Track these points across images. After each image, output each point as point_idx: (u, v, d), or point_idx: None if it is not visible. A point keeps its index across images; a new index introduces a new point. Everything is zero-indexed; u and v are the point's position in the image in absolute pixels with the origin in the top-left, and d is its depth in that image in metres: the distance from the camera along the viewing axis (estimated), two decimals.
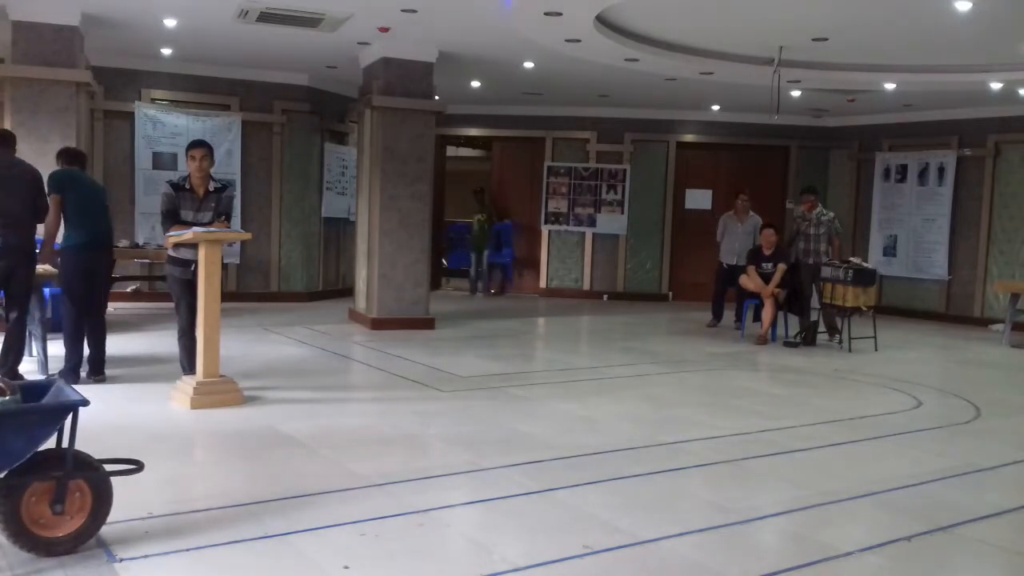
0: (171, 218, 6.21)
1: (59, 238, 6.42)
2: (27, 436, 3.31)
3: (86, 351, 6.44)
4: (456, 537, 3.82)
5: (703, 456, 5.15)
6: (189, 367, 6.24)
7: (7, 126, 8.30)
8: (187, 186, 6.29)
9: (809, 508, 4.28)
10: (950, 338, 11.04)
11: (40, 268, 6.50)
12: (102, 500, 3.44)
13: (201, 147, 6.29)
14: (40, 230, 6.45)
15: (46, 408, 3.49)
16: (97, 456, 3.54)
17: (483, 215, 14.44)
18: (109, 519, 3.58)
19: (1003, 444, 5.77)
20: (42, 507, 3.33)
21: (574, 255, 14.34)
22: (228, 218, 6.39)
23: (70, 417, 3.39)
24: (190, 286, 6.10)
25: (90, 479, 3.42)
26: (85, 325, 6.41)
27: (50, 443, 3.41)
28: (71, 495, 3.37)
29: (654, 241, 14.24)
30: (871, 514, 4.26)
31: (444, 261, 16.19)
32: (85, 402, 3.39)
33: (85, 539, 3.39)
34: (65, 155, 6.66)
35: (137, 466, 3.63)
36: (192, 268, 6.08)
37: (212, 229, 6.01)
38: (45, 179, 6.33)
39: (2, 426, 3.25)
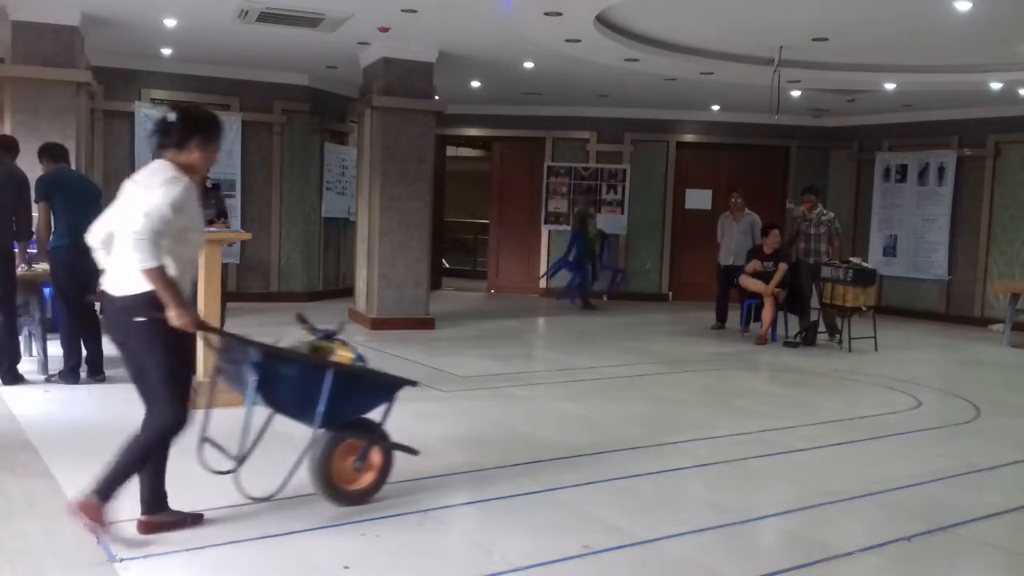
0: None
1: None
2: (370, 397, 4.04)
3: (84, 351, 6.44)
4: (456, 537, 3.82)
5: (703, 456, 5.15)
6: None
7: (7, 126, 8.31)
8: None
9: (809, 508, 4.28)
10: (950, 338, 11.04)
11: (38, 268, 6.50)
12: (387, 467, 4.08)
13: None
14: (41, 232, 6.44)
15: (392, 378, 4.15)
16: None
17: (593, 219, 13.21)
18: (109, 519, 3.59)
19: (1003, 444, 5.78)
20: (346, 462, 3.97)
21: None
22: (226, 217, 6.43)
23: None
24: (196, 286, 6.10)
25: (384, 447, 4.06)
26: (80, 325, 6.40)
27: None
28: (370, 458, 4.00)
29: (654, 241, 14.24)
30: (871, 514, 4.26)
31: (444, 261, 16.20)
32: (416, 383, 4.22)
33: (368, 496, 4.02)
34: (49, 153, 6.52)
35: (416, 453, 4.22)
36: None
37: (212, 229, 6.03)
38: (33, 182, 6.33)
39: (358, 383, 3.97)
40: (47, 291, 6.95)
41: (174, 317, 3.39)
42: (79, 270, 6.35)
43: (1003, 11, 7.53)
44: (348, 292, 11.99)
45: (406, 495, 4.20)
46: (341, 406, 3.86)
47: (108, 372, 6.53)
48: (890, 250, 13.28)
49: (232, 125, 11.51)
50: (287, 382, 3.83)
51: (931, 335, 11.27)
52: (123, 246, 3.42)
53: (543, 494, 4.33)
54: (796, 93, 11.40)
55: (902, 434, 5.92)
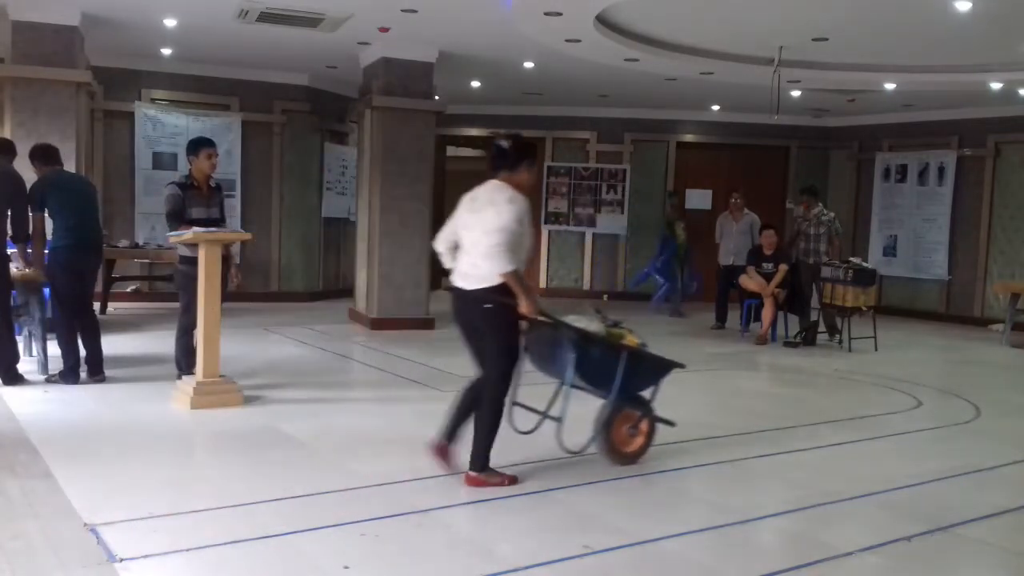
0: (177, 219, 6.22)
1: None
2: (650, 376, 4.89)
3: (83, 351, 6.44)
4: (456, 537, 3.82)
5: (703, 456, 5.15)
6: (188, 367, 6.24)
7: (7, 126, 8.31)
8: (194, 184, 6.34)
9: (809, 508, 4.28)
10: (950, 338, 11.04)
11: (32, 272, 6.50)
12: (651, 435, 4.91)
13: (214, 145, 6.56)
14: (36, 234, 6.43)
15: (666, 362, 4.90)
16: None
17: (682, 224, 12.47)
18: (109, 519, 3.65)
19: (1003, 444, 5.78)
20: (623, 428, 4.83)
21: (574, 255, 14.34)
22: (223, 219, 6.51)
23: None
24: None
25: (651, 419, 4.89)
26: (77, 325, 6.40)
27: None
28: (641, 426, 4.85)
29: (654, 241, 14.21)
30: (871, 514, 4.26)
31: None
32: (683, 365, 5.00)
33: (637, 458, 4.84)
34: (41, 156, 6.48)
35: (673, 424, 4.99)
36: None
37: (212, 229, 6.03)
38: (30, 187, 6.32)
39: (642, 363, 4.79)
40: (47, 291, 6.95)
41: (524, 307, 4.28)
42: (77, 270, 6.35)
43: (1003, 11, 7.54)
44: (348, 292, 11.98)
45: (406, 495, 4.20)
46: (630, 382, 4.75)
47: (108, 372, 6.53)
48: (890, 250, 13.28)
49: (232, 125, 11.52)
50: (595, 361, 4.67)
51: (931, 335, 11.26)
52: (474, 252, 4.31)
53: (543, 494, 4.33)
54: (796, 93, 11.40)
55: (902, 434, 5.92)
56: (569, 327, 4.65)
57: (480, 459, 4.36)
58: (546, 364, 4.83)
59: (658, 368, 4.89)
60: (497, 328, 4.34)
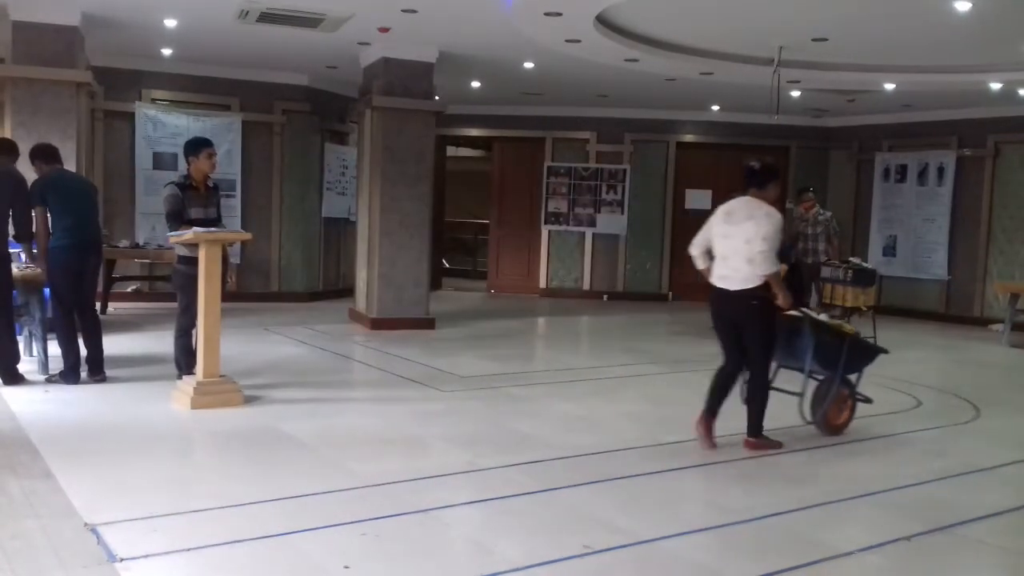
0: (177, 219, 6.23)
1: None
2: (863, 359, 5.71)
3: (84, 351, 6.44)
4: (456, 537, 3.82)
5: (703, 456, 5.15)
6: (187, 367, 6.24)
7: (7, 126, 8.31)
8: (192, 184, 6.35)
9: (809, 508, 4.28)
10: (950, 338, 11.04)
11: (32, 271, 6.50)
12: (853, 412, 5.74)
13: (213, 145, 6.57)
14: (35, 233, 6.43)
15: (876, 348, 5.80)
16: None
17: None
18: (109, 518, 3.65)
19: (1003, 444, 5.78)
20: (834, 404, 5.63)
21: (574, 255, 14.34)
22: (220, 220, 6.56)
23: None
24: None
25: (854, 398, 5.72)
26: (77, 324, 6.40)
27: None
28: (848, 403, 5.69)
29: (654, 241, 14.24)
30: (871, 514, 4.26)
31: (444, 261, 16.19)
32: (887, 351, 5.83)
33: (842, 431, 5.67)
34: (42, 155, 6.49)
35: (871, 401, 5.84)
36: None
37: (212, 230, 6.03)
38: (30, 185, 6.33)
39: (859, 348, 5.64)
40: (47, 291, 6.96)
41: (782, 301, 5.10)
42: (77, 270, 6.35)
43: (1003, 11, 7.54)
44: (348, 292, 11.99)
45: (406, 495, 4.21)
46: (849, 364, 5.57)
47: (108, 372, 6.54)
48: (890, 250, 13.28)
49: (232, 125, 11.52)
50: (826, 347, 5.48)
51: (931, 335, 11.26)
52: (734, 258, 5.13)
53: (543, 494, 4.33)
54: (796, 93, 11.40)
55: (902, 434, 5.92)
56: (813, 318, 5.53)
57: (755, 428, 5.24)
58: (784, 350, 5.56)
59: (869, 353, 5.73)
60: (760, 321, 5.14)
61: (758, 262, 5.02)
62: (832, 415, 5.68)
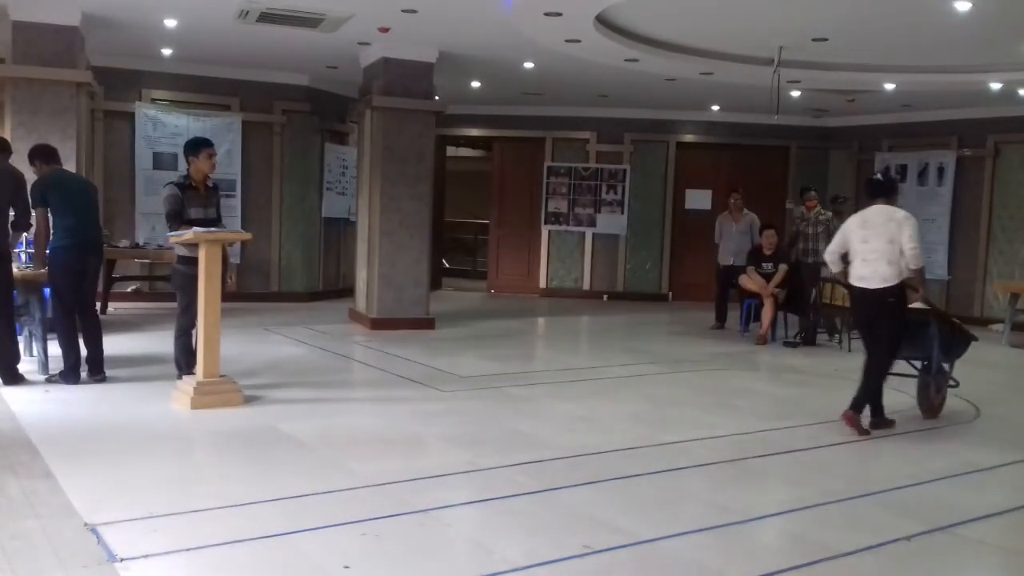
0: (177, 219, 6.23)
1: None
2: (961, 347, 6.38)
3: (84, 351, 6.44)
4: (456, 537, 3.82)
5: (703, 456, 5.15)
6: (187, 367, 6.24)
7: (7, 126, 8.31)
8: (191, 184, 6.35)
9: (809, 508, 4.28)
10: None
11: (32, 271, 6.50)
12: (944, 397, 6.39)
13: (213, 145, 6.57)
14: (33, 234, 6.44)
15: (970, 335, 6.37)
16: None
17: None
18: (109, 518, 3.64)
19: (1003, 444, 5.78)
20: (931, 387, 6.33)
21: (574, 255, 14.34)
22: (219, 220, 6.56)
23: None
24: None
25: (939, 384, 6.34)
26: (78, 324, 6.40)
27: None
28: (939, 389, 6.33)
29: (654, 241, 14.24)
30: (871, 514, 4.26)
31: (444, 261, 16.18)
32: (976, 338, 6.49)
33: (938, 412, 6.34)
34: (42, 155, 6.49)
35: (957, 384, 6.47)
36: None
37: (212, 230, 6.03)
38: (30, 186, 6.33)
39: (962, 336, 6.33)
40: (47, 291, 6.96)
41: (920, 295, 5.83)
42: (77, 270, 6.35)
43: (1003, 11, 7.54)
44: (348, 292, 11.99)
45: (406, 495, 4.21)
46: (953, 351, 6.32)
47: (108, 372, 6.54)
48: None
49: (232, 125, 11.52)
50: (946, 336, 6.22)
51: None
52: (874, 259, 5.67)
53: (543, 494, 4.33)
54: (796, 93, 11.40)
55: (902, 434, 5.92)
56: (939, 311, 6.41)
57: (859, 405, 5.73)
58: (907, 342, 6.04)
59: (968, 341, 6.39)
60: (894, 316, 5.73)
61: (910, 257, 5.61)
62: (939, 400, 6.40)
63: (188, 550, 3.43)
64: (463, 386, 6.91)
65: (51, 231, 6.28)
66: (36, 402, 5.82)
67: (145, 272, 11.19)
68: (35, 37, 8.29)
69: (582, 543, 3.65)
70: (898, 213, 5.74)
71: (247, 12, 8.33)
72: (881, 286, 5.67)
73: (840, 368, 8.42)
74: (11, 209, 6.22)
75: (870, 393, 5.77)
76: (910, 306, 5.82)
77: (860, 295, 5.82)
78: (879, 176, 6.36)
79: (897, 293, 5.67)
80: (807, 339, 9.77)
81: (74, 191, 6.50)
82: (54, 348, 6.52)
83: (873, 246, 5.69)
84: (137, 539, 3.51)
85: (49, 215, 6.26)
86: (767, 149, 14.28)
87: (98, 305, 7.56)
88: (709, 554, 3.66)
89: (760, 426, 5.92)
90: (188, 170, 6.49)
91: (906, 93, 11.12)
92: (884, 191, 5.95)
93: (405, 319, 9.87)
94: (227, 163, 11.18)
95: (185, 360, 6.36)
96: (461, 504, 4.24)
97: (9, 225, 6.25)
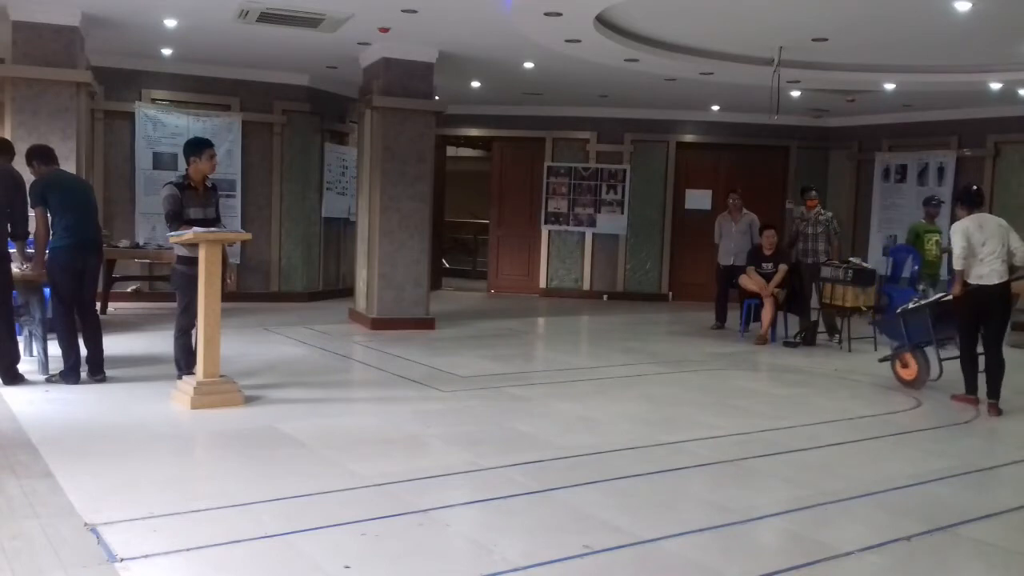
0: (177, 219, 6.23)
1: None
2: (944, 326, 7.20)
3: (84, 351, 6.44)
4: (456, 537, 3.82)
5: (703, 456, 5.15)
6: (187, 367, 6.24)
7: (7, 126, 8.31)
8: (191, 184, 6.35)
9: (809, 508, 4.28)
10: None
11: (32, 273, 6.49)
12: (923, 368, 7.33)
13: (213, 146, 6.56)
14: (31, 232, 6.42)
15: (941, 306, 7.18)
16: None
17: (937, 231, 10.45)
18: (109, 518, 3.63)
19: (1003, 444, 5.78)
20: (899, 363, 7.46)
21: (574, 255, 14.34)
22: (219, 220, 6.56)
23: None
24: None
25: (916, 355, 7.37)
26: (78, 324, 6.40)
27: None
28: (909, 360, 7.41)
29: (654, 241, 14.23)
30: (871, 514, 4.26)
31: (444, 261, 16.18)
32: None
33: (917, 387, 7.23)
34: (39, 156, 6.48)
35: (941, 374, 7.30)
36: None
37: (212, 229, 6.04)
38: (28, 186, 6.32)
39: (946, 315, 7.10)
40: (47, 291, 6.96)
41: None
42: (77, 270, 6.35)
43: (1003, 11, 7.53)
44: (348, 292, 11.99)
45: (406, 495, 4.21)
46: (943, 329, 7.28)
47: (108, 372, 6.54)
48: (890, 250, 13.26)
49: (232, 125, 11.52)
50: (948, 318, 7.05)
51: None
52: (991, 259, 6.52)
53: (543, 494, 4.33)
54: (796, 93, 11.40)
55: (902, 434, 5.92)
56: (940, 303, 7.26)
57: (997, 391, 6.54)
58: (892, 334, 7.48)
59: (936, 313, 7.33)
60: (1007, 308, 6.65)
61: (1021, 257, 6.55)
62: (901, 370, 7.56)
63: (188, 550, 3.44)
64: (463, 386, 6.91)
65: (51, 231, 6.28)
66: (36, 402, 5.82)
67: (145, 272, 11.19)
68: (35, 37, 8.28)
69: (582, 543, 3.65)
70: (999, 219, 6.85)
71: (247, 12, 8.33)
72: (999, 281, 6.54)
73: (840, 368, 8.44)
74: (10, 210, 6.22)
75: (968, 375, 6.74)
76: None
77: (979, 290, 6.57)
78: (977, 187, 7.47)
79: (1009, 287, 6.64)
80: (807, 339, 9.77)
81: (74, 191, 6.49)
82: (54, 348, 6.52)
83: (991, 247, 6.58)
84: (137, 539, 3.51)
85: (48, 215, 6.26)
86: (767, 149, 14.28)
87: (98, 305, 7.56)
88: (709, 554, 3.66)
89: (760, 426, 5.92)
90: (187, 170, 6.48)
91: (906, 93, 11.12)
92: (981, 200, 7.09)
93: (405, 319, 9.87)
94: (227, 163, 11.18)
95: (185, 360, 6.36)
96: (461, 504, 4.24)
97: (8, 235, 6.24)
